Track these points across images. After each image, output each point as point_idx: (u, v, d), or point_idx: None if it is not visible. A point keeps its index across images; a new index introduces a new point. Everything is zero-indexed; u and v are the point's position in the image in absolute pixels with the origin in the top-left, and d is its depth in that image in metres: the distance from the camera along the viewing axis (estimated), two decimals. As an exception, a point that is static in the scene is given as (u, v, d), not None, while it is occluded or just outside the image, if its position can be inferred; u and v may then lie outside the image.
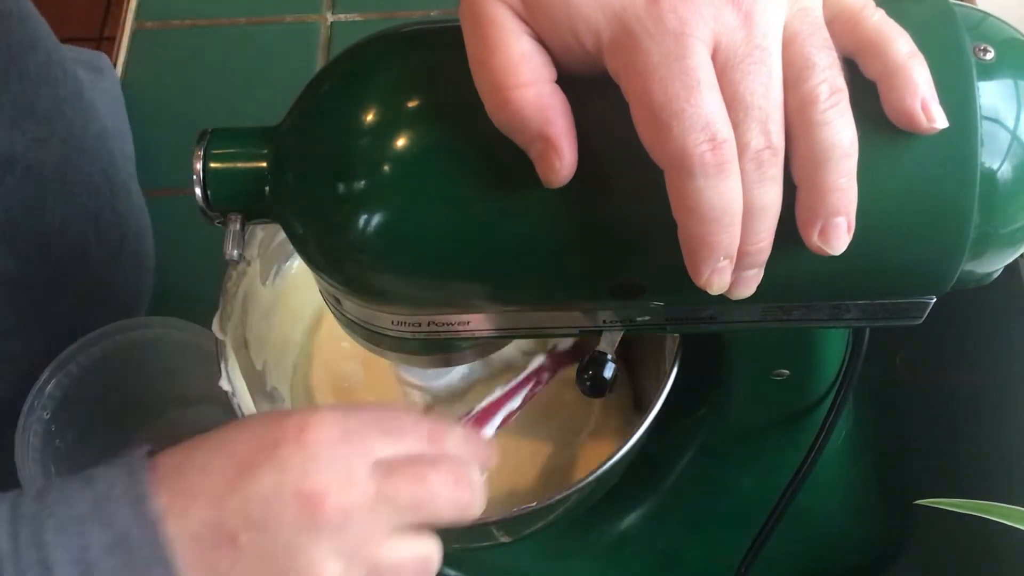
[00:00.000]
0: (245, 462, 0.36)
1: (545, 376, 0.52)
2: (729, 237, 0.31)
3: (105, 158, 0.67)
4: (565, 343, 0.52)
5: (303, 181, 0.37)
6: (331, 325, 0.57)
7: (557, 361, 0.52)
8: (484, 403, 0.50)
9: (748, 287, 0.33)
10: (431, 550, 0.39)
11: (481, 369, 0.54)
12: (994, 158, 0.34)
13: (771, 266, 0.33)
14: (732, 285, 0.33)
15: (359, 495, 0.37)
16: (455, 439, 0.40)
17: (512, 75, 0.32)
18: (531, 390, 0.51)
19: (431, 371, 0.51)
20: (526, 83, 0.32)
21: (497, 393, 0.50)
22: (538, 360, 0.52)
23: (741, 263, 0.32)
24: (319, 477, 0.36)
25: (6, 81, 0.57)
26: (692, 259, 0.32)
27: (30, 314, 0.59)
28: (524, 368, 0.52)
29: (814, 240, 0.32)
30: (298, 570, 0.36)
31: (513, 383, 0.51)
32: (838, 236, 0.32)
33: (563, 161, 0.32)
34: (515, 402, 0.51)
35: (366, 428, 0.38)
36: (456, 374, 0.52)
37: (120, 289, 0.67)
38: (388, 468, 0.37)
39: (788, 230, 0.32)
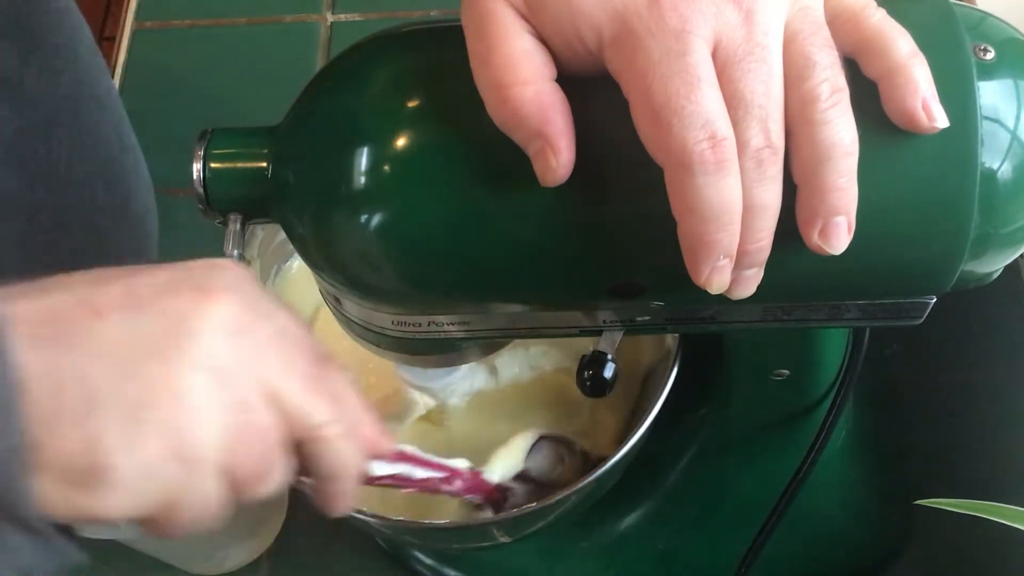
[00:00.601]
0: (144, 268, 0.33)
1: (455, 486, 0.47)
2: (728, 236, 0.31)
3: (116, 116, 0.67)
4: (492, 477, 0.49)
5: (303, 181, 0.37)
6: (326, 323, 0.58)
7: (474, 484, 0.48)
8: (406, 448, 0.44)
9: (748, 287, 0.33)
10: (284, 470, 0.34)
11: (488, 380, 0.54)
12: (994, 158, 0.34)
13: (771, 266, 0.33)
14: (732, 284, 0.33)
15: (254, 319, 0.33)
16: (350, 393, 0.36)
17: (512, 73, 0.32)
18: (433, 481, 0.46)
19: (431, 371, 0.51)
20: (525, 81, 0.32)
21: (416, 451, 0.45)
22: (459, 463, 0.48)
23: (741, 262, 0.32)
24: (224, 281, 0.33)
25: (27, 12, 0.57)
26: (691, 258, 0.32)
27: (34, 244, 0.59)
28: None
29: (814, 240, 0.32)
30: (160, 371, 0.31)
31: (434, 459, 0.46)
32: (838, 236, 0.32)
33: (560, 160, 0.32)
34: (416, 472, 0.45)
35: (277, 305, 0.35)
36: (457, 375, 0.52)
37: (124, 250, 0.67)
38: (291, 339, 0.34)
39: (788, 230, 0.32)
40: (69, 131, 0.61)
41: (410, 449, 0.45)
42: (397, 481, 0.44)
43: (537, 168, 0.32)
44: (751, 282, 0.33)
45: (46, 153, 0.59)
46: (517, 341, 0.54)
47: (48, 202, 0.60)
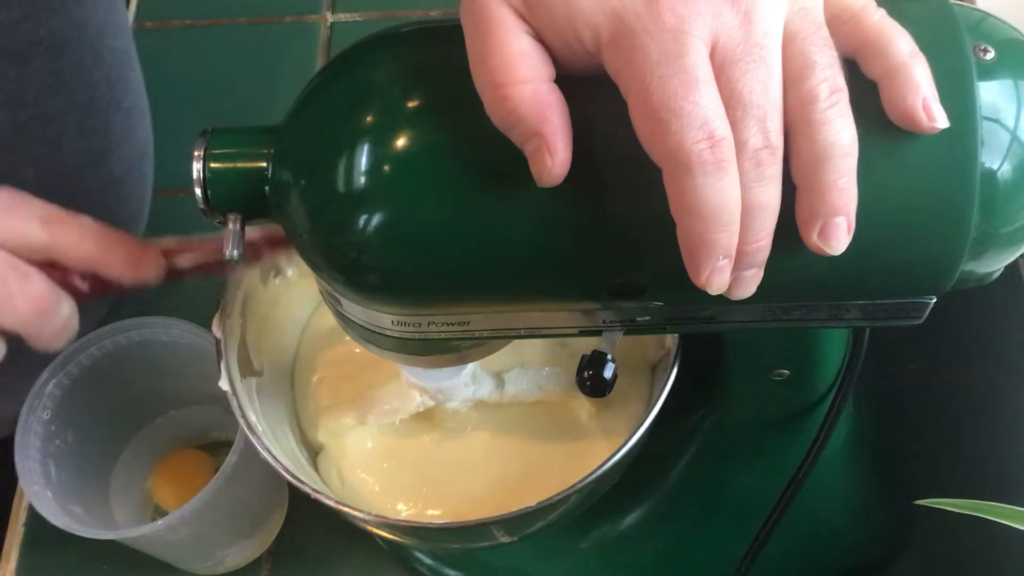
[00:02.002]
0: None
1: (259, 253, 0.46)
2: (728, 236, 0.31)
3: (113, 74, 0.67)
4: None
5: (303, 181, 0.37)
6: (329, 325, 0.57)
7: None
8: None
9: (747, 287, 0.33)
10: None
11: (494, 391, 0.54)
12: (994, 158, 0.34)
13: (771, 266, 0.33)
14: (731, 285, 0.33)
15: None
16: (75, 232, 0.44)
17: (510, 72, 0.32)
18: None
19: (433, 371, 0.51)
20: (523, 80, 0.32)
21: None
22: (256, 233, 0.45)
23: (740, 263, 0.32)
24: None
25: None
26: (691, 258, 0.32)
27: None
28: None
29: (813, 240, 0.32)
30: None
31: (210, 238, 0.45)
32: (838, 236, 0.32)
33: (556, 159, 0.32)
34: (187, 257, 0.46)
35: None
36: (459, 379, 0.52)
37: (93, 199, 0.66)
38: None
39: (788, 230, 0.32)
40: (47, 64, 0.61)
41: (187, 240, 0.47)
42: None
43: (533, 168, 0.32)
44: (751, 282, 0.33)
45: (16, 76, 0.60)
46: (530, 359, 0.55)
47: (5, 121, 0.60)
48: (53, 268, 0.45)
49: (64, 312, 0.45)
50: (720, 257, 0.32)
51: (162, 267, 0.46)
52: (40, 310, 0.44)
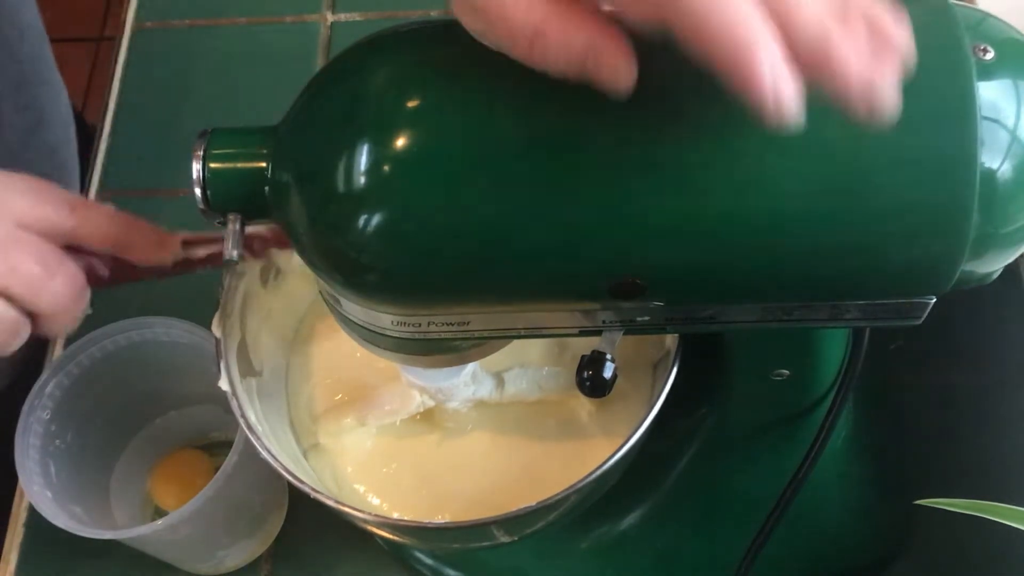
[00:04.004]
0: None
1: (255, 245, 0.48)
2: (760, 22, 0.26)
3: (35, 50, 0.69)
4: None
5: (303, 181, 0.37)
6: (328, 325, 0.57)
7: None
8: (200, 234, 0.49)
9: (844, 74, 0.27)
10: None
11: (494, 391, 0.54)
12: (994, 158, 0.34)
13: (771, 266, 0.33)
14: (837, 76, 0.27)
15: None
16: (101, 216, 0.46)
17: (538, 4, 0.29)
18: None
19: (433, 371, 0.51)
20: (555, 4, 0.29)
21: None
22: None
23: (798, 47, 0.27)
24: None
25: None
26: (739, 67, 0.26)
27: None
28: None
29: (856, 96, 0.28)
30: None
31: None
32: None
33: (625, 60, 0.28)
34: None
35: (8, 183, 0.45)
36: (459, 379, 0.52)
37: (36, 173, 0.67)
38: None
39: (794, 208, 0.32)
40: None
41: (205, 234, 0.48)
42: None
43: (603, 79, 0.29)
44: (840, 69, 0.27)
45: None
46: (530, 359, 0.55)
47: None
48: (76, 252, 0.46)
49: (87, 299, 0.47)
50: (770, 46, 0.26)
51: (180, 253, 0.47)
52: (74, 294, 0.46)
